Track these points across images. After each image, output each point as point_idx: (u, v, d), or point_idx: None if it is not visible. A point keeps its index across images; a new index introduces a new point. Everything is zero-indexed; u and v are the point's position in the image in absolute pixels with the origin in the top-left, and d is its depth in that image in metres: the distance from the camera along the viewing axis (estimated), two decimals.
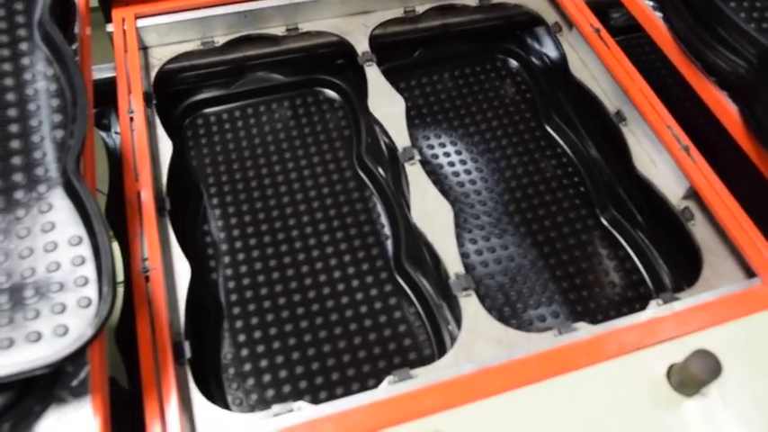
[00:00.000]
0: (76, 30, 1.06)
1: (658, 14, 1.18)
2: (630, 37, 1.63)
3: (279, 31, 1.39)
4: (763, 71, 0.95)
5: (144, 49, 1.35)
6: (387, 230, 1.25)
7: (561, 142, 1.42)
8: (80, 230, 0.75)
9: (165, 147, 1.18)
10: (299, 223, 1.26)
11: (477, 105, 1.48)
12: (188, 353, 0.93)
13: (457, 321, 1.02)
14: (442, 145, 1.41)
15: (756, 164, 1.03)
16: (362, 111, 1.39)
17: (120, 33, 1.31)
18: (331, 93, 1.47)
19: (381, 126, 1.23)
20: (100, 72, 1.36)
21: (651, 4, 1.20)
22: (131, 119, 1.17)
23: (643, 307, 0.95)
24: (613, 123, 1.27)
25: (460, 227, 1.26)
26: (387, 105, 1.26)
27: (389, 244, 1.24)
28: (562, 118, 1.44)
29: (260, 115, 1.43)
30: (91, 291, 0.71)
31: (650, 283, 1.20)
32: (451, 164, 1.37)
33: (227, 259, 1.21)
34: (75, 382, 0.72)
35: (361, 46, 1.36)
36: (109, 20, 1.34)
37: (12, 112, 0.85)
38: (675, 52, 1.15)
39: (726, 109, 1.06)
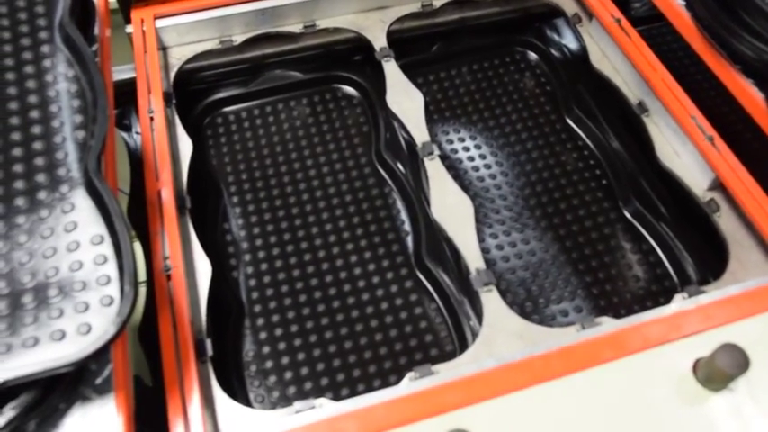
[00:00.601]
0: (96, 31, 1.07)
1: (681, 2, 1.16)
2: (652, 27, 1.60)
3: (296, 28, 1.40)
4: None
5: (163, 49, 1.37)
6: (407, 226, 1.25)
7: (582, 135, 1.40)
8: (102, 230, 0.76)
9: (185, 146, 1.19)
10: (318, 220, 1.26)
11: (497, 99, 1.47)
12: (210, 350, 0.93)
13: (478, 317, 1.02)
14: (462, 139, 1.40)
15: None
16: (381, 106, 1.38)
17: (140, 34, 1.32)
18: (349, 89, 1.47)
19: (400, 121, 1.23)
20: (120, 73, 1.38)
21: None
22: (151, 119, 1.18)
23: (668, 300, 0.94)
24: (635, 115, 1.25)
25: (481, 222, 1.25)
26: (405, 100, 1.26)
27: (410, 240, 1.23)
28: (583, 110, 1.42)
29: (278, 113, 1.44)
30: (113, 289, 0.72)
31: (675, 277, 1.18)
32: (471, 158, 1.36)
33: (247, 257, 1.21)
34: (98, 380, 0.73)
35: (379, 42, 1.36)
36: (128, 21, 1.35)
37: (34, 114, 0.86)
38: (699, 41, 1.12)
39: (752, 97, 1.04)
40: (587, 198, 1.30)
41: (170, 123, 1.23)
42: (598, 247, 1.22)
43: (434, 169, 1.16)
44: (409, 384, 0.84)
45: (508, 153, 1.37)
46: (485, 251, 1.20)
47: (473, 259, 1.04)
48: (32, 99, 0.87)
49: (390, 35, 1.38)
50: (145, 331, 1.12)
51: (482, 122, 1.43)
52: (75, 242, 0.76)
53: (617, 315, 1.08)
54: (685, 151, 1.17)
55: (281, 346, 1.10)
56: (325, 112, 1.43)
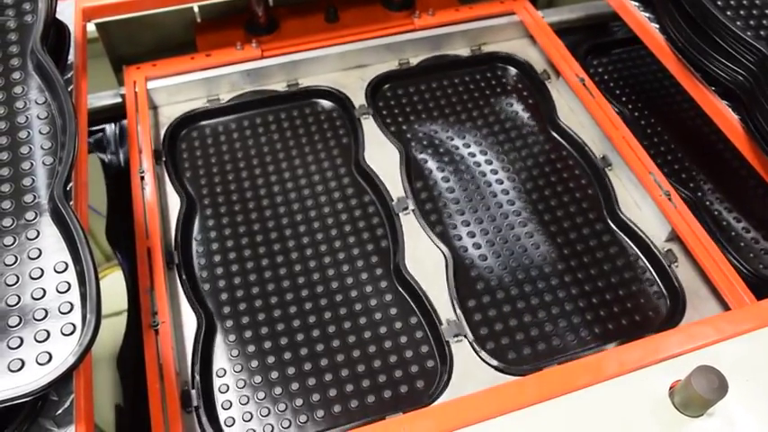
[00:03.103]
0: (72, 59, 1.07)
1: (655, 26, 1.17)
2: (632, 49, 1.62)
3: (280, 87, 1.46)
4: (763, 79, 0.93)
5: (154, 108, 1.42)
6: (387, 238, 1.23)
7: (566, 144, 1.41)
8: (66, 257, 0.75)
9: (174, 202, 1.23)
10: (295, 233, 1.24)
11: (478, 109, 1.46)
12: (195, 401, 0.98)
13: (450, 365, 1.04)
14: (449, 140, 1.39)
15: (760, 173, 1.00)
16: (359, 120, 1.39)
17: (132, 95, 1.38)
18: (327, 103, 1.46)
19: (378, 177, 1.27)
20: (100, 100, 1.39)
21: (648, 15, 1.19)
22: (142, 178, 1.23)
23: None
24: (599, 168, 1.31)
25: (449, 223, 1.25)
26: (382, 157, 1.32)
27: (390, 252, 1.20)
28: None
29: (256, 126, 1.42)
30: (75, 317, 0.71)
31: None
32: (454, 157, 1.36)
33: (219, 270, 1.18)
34: (59, 411, 0.71)
35: (358, 99, 1.42)
36: (121, 83, 1.43)
37: (2, 140, 0.85)
38: (674, 63, 1.13)
39: (727, 119, 1.04)
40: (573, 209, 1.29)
41: (159, 180, 1.27)
42: (591, 271, 1.20)
43: (409, 223, 1.21)
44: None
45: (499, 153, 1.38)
46: (465, 253, 1.21)
47: (444, 310, 1.09)
48: (1, 125, 0.86)
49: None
50: (123, 358, 1.12)
51: (460, 130, 1.42)
52: (39, 269, 0.75)
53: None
54: (645, 204, 1.25)
55: (254, 363, 1.07)
56: (304, 126, 1.42)
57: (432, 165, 1.35)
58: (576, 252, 1.22)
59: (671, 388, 0.78)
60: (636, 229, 1.22)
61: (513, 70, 1.54)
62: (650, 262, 1.20)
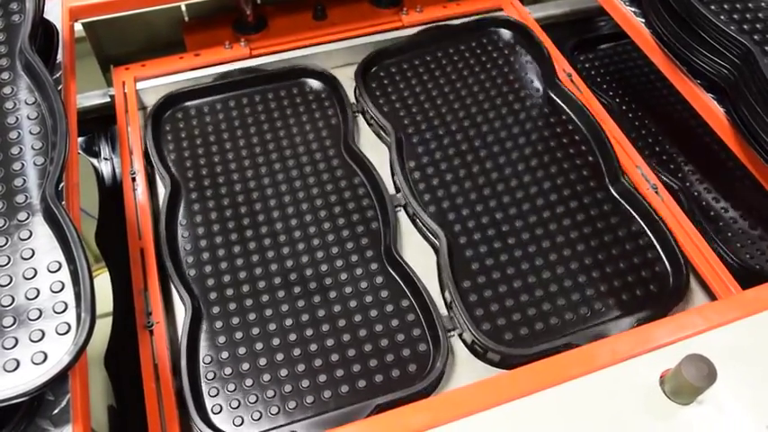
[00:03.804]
0: (60, 58, 1.07)
1: (641, 20, 1.18)
2: (618, 44, 1.63)
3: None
4: (747, 72, 0.95)
5: (143, 108, 1.40)
6: (377, 220, 1.21)
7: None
8: (60, 256, 0.75)
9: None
10: (283, 215, 1.22)
11: (475, 78, 1.44)
12: (191, 403, 0.96)
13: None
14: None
15: (745, 164, 1.02)
16: (348, 101, 1.39)
17: (122, 95, 1.37)
18: (316, 83, 1.44)
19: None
20: (89, 99, 1.38)
21: (634, 10, 1.20)
22: (133, 179, 1.23)
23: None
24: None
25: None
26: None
27: (380, 234, 1.19)
28: None
29: (242, 107, 1.40)
30: (70, 317, 0.71)
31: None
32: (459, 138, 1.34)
33: (206, 255, 1.16)
34: (55, 411, 0.72)
35: (349, 94, 1.41)
36: (110, 83, 1.42)
37: None
38: (660, 57, 1.14)
39: (713, 112, 1.06)
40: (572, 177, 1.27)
41: (151, 180, 1.27)
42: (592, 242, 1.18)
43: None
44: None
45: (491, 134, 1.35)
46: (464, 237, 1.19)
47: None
48: None
49: None
50: (110, 359, 1.12)
51: (458, 102, 1.40)
52: (33, 269, 0.75)
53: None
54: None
55: (241, 350, 1.05)
56: (292, 106, 1.40)
57: (424, 142, 1.33)
58: (577, 223, 1.20)
59: (661, 376, 0.79)
60: (639, 197, 1.20)
61: (507, 33, 1.52)
62: (654, 234, 1.18)
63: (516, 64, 1.46)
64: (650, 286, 1.13)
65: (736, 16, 1.02)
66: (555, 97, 1.37)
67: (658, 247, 1.16)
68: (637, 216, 1.20)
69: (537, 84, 1.42)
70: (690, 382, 0.74)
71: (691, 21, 1.02)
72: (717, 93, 1.06)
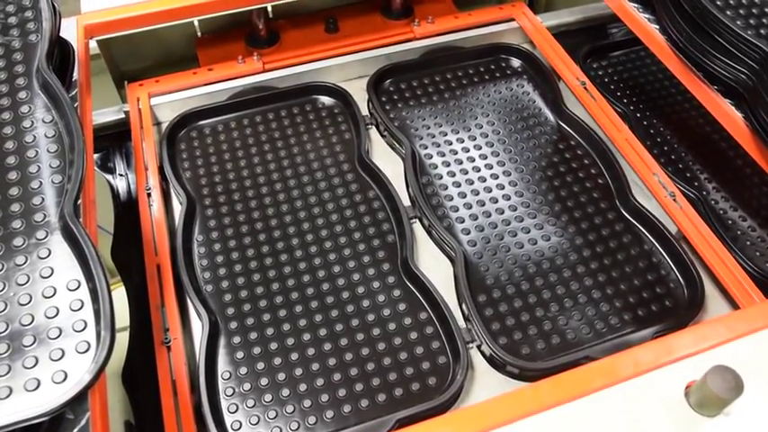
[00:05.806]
0: (76, 76, 1.08)
1: (655, 26, 1.17)
2: (632, 50, 1.62)
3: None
4: (766, 77, 0.93)
5: (158, 124, 1.42)
6: (393, 232, 1.22)
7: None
8: (78, 274, 0.75)
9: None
10: (299, 231, 1.22)
11: (482, 103, 1.46)
12: (209, 418, 0.95)
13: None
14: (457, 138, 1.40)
15: (765, 169, 1.00)
16: (361, 114, 1.40)
17: (136, 112, 1.38)
18: (328, 99, 1.45)
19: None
20: (103, 116, 1.39)
21: (647, 16, 1.19)
22: (149, 195, 1.23)
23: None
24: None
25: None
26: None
27: (396, 246, 1.19)
28: None
29: (256, 125, 1.41)
30: (89, 335, 0.70)
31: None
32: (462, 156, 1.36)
33: (222, 271, 1.16)
34: (75, 430, 0.71)
35: (362, 107, 1.42)
36: (124, 99, 1.43)
37: (11, 160, 0.85)
38: (676, 63, 1.13)
39: (731, 118, 1.04)
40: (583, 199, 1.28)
41: (166, 196, 1.28)
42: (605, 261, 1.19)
43: (418, 231, 1.22)
44: None
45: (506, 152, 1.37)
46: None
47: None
48: (9, 145, 0.87)
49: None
50: (127, 374, 1.11)
51: (464, 123, 1.42)
52: (52, 288, 0.75)
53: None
54: (650, 206, 1.24)
55: (260, 365, 1.05)
56: (305, 122, 1.41)
57: (437, 158, 1.34)
58: (589, 242, 1.20)
59: (686, 388, 0.78)
60: (649, 215, 1.21)
61: (516, 61, 1.53)
62: (665, 250, 1.18)
63: (525, 90, 1.49)
64: (665, 301, 1.13)
65: (752, 21, 1.01)
66: (563, 124, 1.41)
67: (670, 262, 1.17)
68: (646, 233, 1.21)
69: (545, 110, 1.44)
70: (716, 393, 0.73)
71: (706, 26, 1.01)
72: (734, 98, 1.05)
